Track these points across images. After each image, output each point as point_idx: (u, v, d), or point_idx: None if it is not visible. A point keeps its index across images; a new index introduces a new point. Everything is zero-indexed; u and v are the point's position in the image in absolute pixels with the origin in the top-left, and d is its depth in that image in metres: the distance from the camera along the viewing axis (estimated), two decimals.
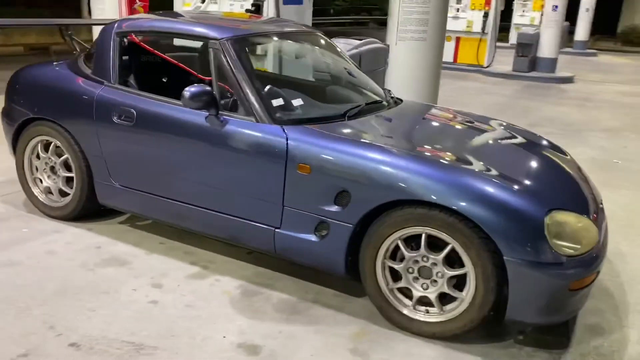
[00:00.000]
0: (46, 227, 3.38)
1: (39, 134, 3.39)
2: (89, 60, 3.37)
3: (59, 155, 3.38)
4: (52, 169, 3.44)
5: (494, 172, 2.46)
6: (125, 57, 3.22)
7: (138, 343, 2.34)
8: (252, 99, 2.75)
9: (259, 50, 4.63)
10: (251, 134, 2.71)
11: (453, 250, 2.35)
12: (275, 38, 3.73)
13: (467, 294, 2.35)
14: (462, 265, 2.35)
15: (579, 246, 2.26)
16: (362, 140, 2.66)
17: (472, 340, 2.46)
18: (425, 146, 2.71)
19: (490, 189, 2.30)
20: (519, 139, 3.16)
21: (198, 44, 3.51)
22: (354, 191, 2.47)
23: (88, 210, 3.40)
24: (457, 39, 12.81)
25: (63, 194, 3.44)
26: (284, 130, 2.66)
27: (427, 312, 2.48)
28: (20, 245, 3.14)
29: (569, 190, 2.66)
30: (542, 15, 12.41)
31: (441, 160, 2.50)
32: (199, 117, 2.83)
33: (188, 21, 3.21)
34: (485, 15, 12.43)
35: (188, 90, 2.67)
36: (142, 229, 3.41)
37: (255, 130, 2.71)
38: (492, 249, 2.24)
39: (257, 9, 4.98)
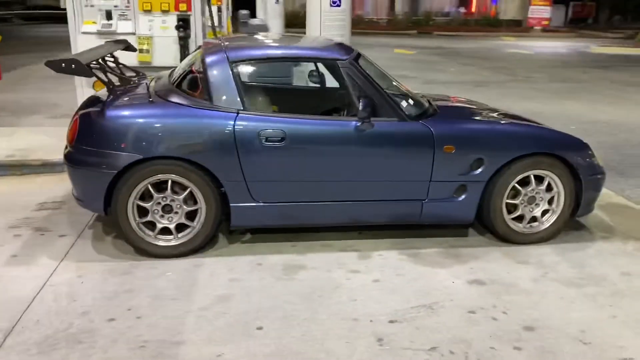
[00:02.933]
0: (182, 265, 3.34)
1: (153, 175, 3.26)
2: (193, 91, 3.39)
3: (175, 192, 3.33)
4: (165, 207, 3.35)
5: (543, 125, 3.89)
6: (244, 84, 3.40)
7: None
8: (392, 103, 3.48)
9: None
10: (400, 130, 3.46)
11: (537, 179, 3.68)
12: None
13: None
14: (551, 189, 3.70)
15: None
16: (487, 119, 3.82)
17: None
18: (499, 118, 3.93)
19: (566, 138, 3.71)
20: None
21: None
22: (486, 157, 3.53)
23: (209, 240, 3.47)
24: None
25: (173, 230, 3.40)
26: (424, 124, 3.51)
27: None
28: (198, 286, 3.12)
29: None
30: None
31: (525, 123, 3.83)
32: (348, 124, 3.40)
33: (297, 46, 3.60)
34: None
35: (362, 104, 3.28)
36: (266, 241, 3.68)
37: (402, 128, 3.47)
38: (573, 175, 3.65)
39: (186, 24, 5.11)
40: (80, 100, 5.18)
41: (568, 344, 2.67)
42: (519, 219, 3.75)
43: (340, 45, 3.81)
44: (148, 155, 3.22)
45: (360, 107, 3.33)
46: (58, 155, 5.04)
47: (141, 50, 5.10)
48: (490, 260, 3.52)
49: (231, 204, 3.39)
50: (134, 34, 5.07)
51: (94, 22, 5.04)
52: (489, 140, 3.57)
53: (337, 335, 2.69)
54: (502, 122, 3.84)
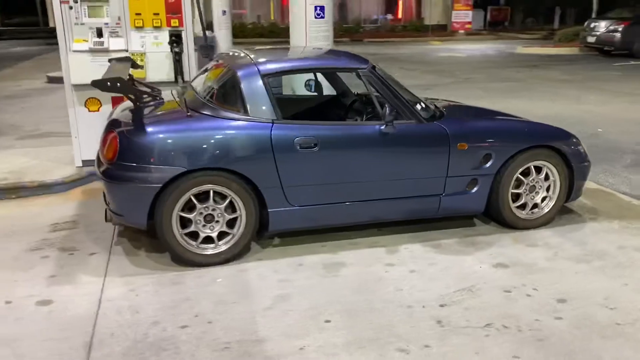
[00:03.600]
0: (227, 271, 3.47)
1: (196, 186, 3.36)
2: (227, 104, 3.53)
3: (215, 202, 3.45)
4: (207, 217, 3.46)
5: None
6: (276, 94, 3.58)
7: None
8: (410, 107, 3.76)
9: None
10: (419, 132, 3.75)
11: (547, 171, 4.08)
12: None
13: None
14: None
15: None
16: (490, 118, 4.21)
17: None
18: (498, 116, 4.31)
19: (558, 131, 4.13)
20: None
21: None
22: (494, 152, 3.89)
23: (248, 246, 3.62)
24: None
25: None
26: (439, 124, 3.81)
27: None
28: (252, 289, 3.25)
29: None
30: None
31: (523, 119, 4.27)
32: (374, 128, 3.66)
33: (320, 58, 3.81)
34: None
35: (387, 109, 3.54)
36: (295, 243, 3.84)
37: (421, 129, 3.76)
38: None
39: (178, 40, 5.16)
40: (74, 119, 5.17)
41: (598, 310, 3.04)
42: (522, 206, 4.12)
43: (356, 56, 4.05)
44: (192, 167, 3.33)
45: (385, 112, 3.59)
46: (53, 176, 5.02)
47: (133, 67, 5.12)
48: (504, 246, 3.87)
49: (269, 210, 3.55)
50: (126, 50, 5.09)
51: (85, 40, 5.01)
52: (496, 137, 3.93)
53: (400, 321, 2.92)
54: (504, 119, 4.22)
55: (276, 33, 24.19)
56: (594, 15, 18.92)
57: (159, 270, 3.48)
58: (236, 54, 4.11)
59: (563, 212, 4.41)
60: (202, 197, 3.46)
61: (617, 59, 15.95)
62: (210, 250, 3.51)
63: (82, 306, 3.07)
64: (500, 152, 3.91)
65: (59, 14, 4.93)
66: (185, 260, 3.49)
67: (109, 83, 3.36)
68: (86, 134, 5.23)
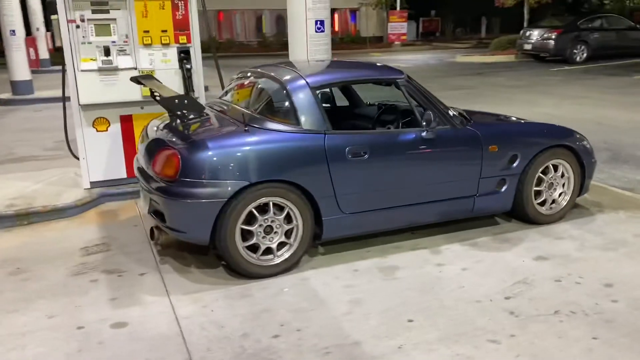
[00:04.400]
0: (290, 281, 3.52)
1: (258, 198, 3.41)
2: (279, 117, 3.59)
3: (274, 213, 3.50)
4: (266, 229, 3.50)
5: None
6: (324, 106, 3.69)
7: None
8: (445, 113, 3.96)
9: None
10: (455, 136, 3.97)
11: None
12: None
13: None
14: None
15: None
16: (514, 121, 4.51)
17: None
18: (516, 120, 4.65)
19: (570, 131, 4.47)
20: None
21: None
22: (520, 153, 4.15)
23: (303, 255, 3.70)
24: None
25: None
26: (472, 129, 4.03)
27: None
28: (323, 296, 3.31)
29: None
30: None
31: (540, 122, 4.57)
32: (417, 134, 3.85)
33: (361, 69, 3.97)
34: None
35: (428, 115, 3.76)
36: (340, 251, 3.93)
37: (457, 133, 3.98)
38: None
39: (187, 56, 5.14)
40: (82, 140, 5.04)
41: None
42: (542, 203, 4.41)
43: (392, 67, 4.23)
44: (254, 180, 3.38)
45: (428, 118, 3.79)
46: (64, 200, 4.86)
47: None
48: (535, 240, 4.13)
49: (323, 218, 3.63)
50: (135, 68, 5.02)
51: (93, 59, 4.91)
52: (521, 139, 4.21)
53: (476, 315, 3.08)
54: (524, 122, 4.51)
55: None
56: (525, 25, 20.12)
57: (220, 285, 3.48)
58: (274, 67, 4.17)
59: (572, 207, 4.75)
60: (261, 209, 3.51)
61: (552, 65, 17.04)
62: (270, 261, 3.55)
63: (161, 325, 3.03)
64: (525, 153, 4.19)
65: (65, 33, 4.81)
66: (247, 273, 3.51)
67: (176, 100, 3.34)
68: (94, 154, 5.11)
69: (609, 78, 14.06)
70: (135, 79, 4.48)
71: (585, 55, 16.98)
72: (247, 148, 3.43)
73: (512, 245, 4.04)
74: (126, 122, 5.15)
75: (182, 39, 5.13)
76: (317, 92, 3.69)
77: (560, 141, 4.31)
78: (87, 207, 4.95)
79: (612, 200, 4.94)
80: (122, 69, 4.96)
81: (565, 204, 4.46)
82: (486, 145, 4.05)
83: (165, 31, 5.07)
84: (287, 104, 3.66)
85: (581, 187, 4.52)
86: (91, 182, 5.16)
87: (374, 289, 3.41)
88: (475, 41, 31.59)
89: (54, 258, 3.97)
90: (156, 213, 3.64)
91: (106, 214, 4.85)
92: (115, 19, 4.94)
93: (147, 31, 5.02)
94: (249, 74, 4.35)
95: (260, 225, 3.50)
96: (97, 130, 5.09)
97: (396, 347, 2.79)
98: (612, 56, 17.13)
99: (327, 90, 4.88)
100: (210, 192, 3.31)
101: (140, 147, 4.07)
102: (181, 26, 5.12)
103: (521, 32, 18.48)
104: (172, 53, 5.13)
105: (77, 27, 4.84)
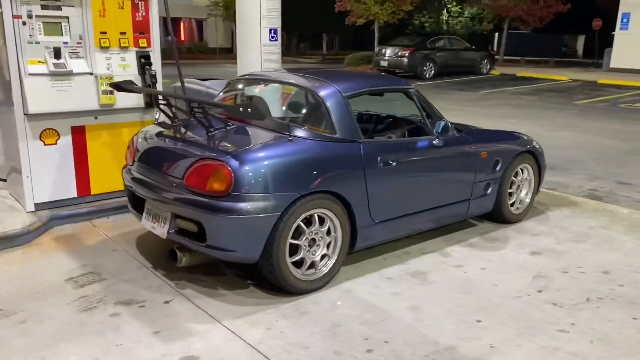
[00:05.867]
0: (333, 294, 3.41)
1: (306, 211, 3.25)
2: (316, 125, 3.44)
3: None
4: (310, 242, 3.34)
5: None
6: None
7: None
8: (448, 122, 4.16)
9: None
10: (457, 142, 4.21)
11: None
12: None
13: None
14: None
15: None
16: (495, 131, 4.82)
17: None
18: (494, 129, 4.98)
19: (530, 138, 4.95)
20: None
21: None
22: (501, 158, 4.51)
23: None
24: None
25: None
26: (466, 136, 4.28)
27: None
28: (379, 305, 3.25)
29: None
30: None
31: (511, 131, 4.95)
32: (431, 142, 4.01)
33: (380, 79, 3.98)
34: None
35: (440, 123, 3.95)
36: (357, 261, 3.88)
37: (458, 140, 4.21)
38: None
39: (148, 59, 4.62)
40: (27, 155, 4.37)
41: (636, 275, 3.83)
42: (512, 203, 4.83)
43: (399, 78, 4.32)
44: (304, 192, 3.22)
45: (445, 126, 3.95)
46: (7, 227, 4.14)
47: (104, 92, 4.51)
48: (516, 237, 4.51)
49: (358, 227, 3.59)
50: (91, 73, 4.45)
51: (41, 62, 4.24)
52: (502, 146, 4.58)
53: (528, 309, 3.30)
54: (499, 130, 4.89)
55: None
56: (376, 43, 21.55)
57: (267, 305, 3.26)
58: (293, 75, 4.03)
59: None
60: (306, 222, 3.37)
61: (406, 80, 18.46)
62: (312, 275, 3.41)
63: (239, 354, 2.76)
64: (504, 158, 4.56)
65: (10, 30, 4.11)
66: (294, 290, 3.34)
67: (241, 109, 3.04)
68: (41, 171, 4.43)
69: (461, 92, 15.65)
70: (115, 85, 4.00)
71: (433, 72, 18.69)
72: (296, 158, 3.27)
73: (502, 244, 4.37)
74: (78, 134, 4.54)
75: (142, 42, 4.68)
76: (349, 100, 3.65)
77: (527, 147, 4.78)
78: (39, 233, 4.26)
79: (551, 200, 5.55)
80: (77, 74, 4.38)
81: (528, 203, 4.94)
82: (479, 151, 4.34)
83: (124, 33, 4.59)
84: (322, 112, 3.56)
85: (537, 187, 5.05)
86: (36, 204, 4.45)
87: (421, 294, 3.45)
88: (320, 57, 32.93)
89: (42, 294, 3.37)
90: (182, 232, 3.29)
91: (66, 240, 4.22)
92: (67, 17, 4.35)
93: (105, 32, 4.49)
94: (256, 82, 4.15)
95: (306, 239, 3.35)
96: (45, 144, 4.41)
97: (489, 347, 2.88)
98: (452, 73, 19.10)
99: None
100: (264, 205, 3.09)
101: (144, 158, 3.64)
102: (141, 29, 4.67)
103: (376, 49, 19.77)
104: (131, 57, 4.66)
105: (24, 23, 4.17)
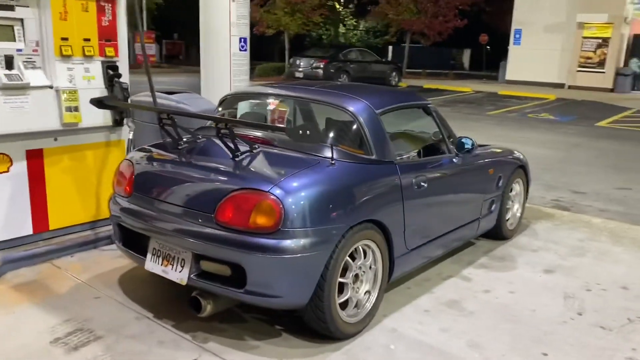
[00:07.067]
0: (379, 336, 3.03)
1: (353, 244, 2.84)
2: (350, 146, 3.04)
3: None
4: (354, 278, 2.94)
5: None
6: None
7: None
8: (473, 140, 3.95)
9: None
10: (469, 160, 3.97)
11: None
12: None
13: None
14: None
15: None
16: (493, 147, 4.59)
17: None
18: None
19: (519, 153, 4.88)
20: None
21: None
22: (502, 174, 4.38)
23: None
24: None
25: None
26: (478, 153, 4.11)
27: None
28: (435, 343, 2.92)
29: None
30: None
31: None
32: (451, 160, 3.78)
33: (402, 93, 3.59)
34: None
35: (461, 140, 3.77)
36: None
37: (469, 157, 3.97)
38: None
39: (116, 70, 3.93)
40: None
41: None
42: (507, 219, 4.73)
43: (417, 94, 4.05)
44: (353, 222, 2.83)
45: (470, 144, 3.74)
46: None
47: (69, 109, 3.79)
48: (520, 255, 4.39)
49: (395, 257, 3.24)
50: (51, 87, 3.73)
51: None
52: (503, 161, 4.45)
53: (577, 334, 3.15)
54: (493, 146, 4.76)
55: None
56: (287, 54, 21.34)
57: (314, 356, 2.81)
58: (314, 90, 3.65)
59: None
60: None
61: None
62: (355, 316, 3.01)
63: None
64: (505, 174, 4.44)
65: None
66: (341, 335, 2.91)
67: (300, 131, 2.56)
68: None
69: None
70: (97, 102, 3.35)
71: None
72: (343, 185, 2.87)
73: (512, 263, 4.22)
74: (34, 159, 3.78)
75: (110, 51, 4.02)
76: (382, 118, 3.30)
77: (520, 162, 4.70)
78: None
79: (534, 213, 5.54)
80: (34, 87, 3.65)
81: (519, 217, 4.87)
82: (487, 167, 4.18)
83: (89, 40, 3.91)
84: (356, 131, 3.17)
85: (524, 202, 5.00)
86: None
87: (470, 328, 3.17)
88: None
89: None
90: (207, 276, 2.77)
91: (29, 288, 3.47)
92: (21, 20, 3.62)
93: (66, 39, 3.79)
94: (261, 97, 3.69)
95: (352, 275, 2.96)
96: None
97: None
98: None
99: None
100: (316, 241, 2.66)
101: (147, 187, 3.05)
102: (108, 35, 4.01)
103: (290, 60, 19.53)
104: (96, 68, 3.98)
105: None
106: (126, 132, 4.20)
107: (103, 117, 4.03)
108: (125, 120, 4.09)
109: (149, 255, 2.99)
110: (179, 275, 2.83)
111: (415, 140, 4.00)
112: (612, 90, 20.18)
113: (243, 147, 2.94)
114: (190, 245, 2.77)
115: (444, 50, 35.54)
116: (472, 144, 3.78)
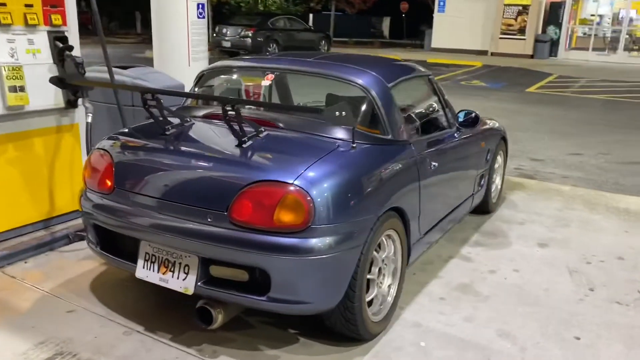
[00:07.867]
0: (406, 333, 2.76)
1: (381, 235, 2.54)
2: (366, 125, 2.69)
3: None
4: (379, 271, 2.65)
5: None
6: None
7: None
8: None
9: None
10: (464, 134, 3.73)
11: None
12: None
13: None
14: None
15: None
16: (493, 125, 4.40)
17: None
18: None
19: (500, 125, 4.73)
20: None
21: None
22: (490, 147, 4.21)
23: None
24: None
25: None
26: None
27: None
28: (458, 336, 2.69)
29: None
30: None
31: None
32: (453, 135, 3.55)
33: (405, 65, 3.42)
34: None
35: (462, 113, 3.56)
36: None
37: (469, 132, 3.75)
38: None
39: (65, 41, 3.30)
40: None
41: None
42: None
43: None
44: (380, 212, 2.52)
45: (473, 116, 3.50)
46: None
47: (13, 89, 3.17)
48: (511, 229, 4.27)
49: (411, 244, 2.97)
50: None
51: None
52: (490, 133, 4.26)
53: (598, 312, 3.05)
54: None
55: None
56: (210, 23, 20.30)
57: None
58: (318, 62, 3.26)
59: None
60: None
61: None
62: (379, 314, 2.72)
63: None
64: (492, 147, 4.27)
65: None
66: (368, 336, 2.62)
67: (337, 113, 2.16)
68: None
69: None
70: (57, 80, 2.79)
71: (277, 52, 18.21)
72: (368, 171, 2.54)
73: (505, 238, 4.09)
74: None
75: (56, 19, 3.42)
76: (392, 91, 2.96)
77: (502, 133, 4.56)
78: None
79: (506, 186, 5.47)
80: None
81: (499, 189, 4.76)
82: (479, 141, 3.98)
83: (31, 6, 3.29)
84: (369, 108, 2.82)
85: (503, 173, 4.89)
86: None
87: (493, 315, 2.98)
88: (136, 36, 30.33)
89: None
90: (217, 282, 2.38)
91: None
92: None
93: (4, 4, 3.16)
94: (253, 71, 3.25)
95: (377, 271, 2.66)
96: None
97: None
98: None
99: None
100: (348, 236, 2.33)
101: (134, 181, 2.56)
102: (53, 0, 3.40)
103: (216, 28, 18.62)
104: (42, 39, 3.37)
105: None
106: (79, 115, 3.63)
107: (54, 97, 3.44)
108: (81, 101, 3.51)
109: (140, 262, 2.54)
110: (183, 283, 2.41)
111: (414, 114, 3.72)
112: (532, 57, 20.89)
113: (247, 130, 2.53)
114: (198, 248, 2.35)
115: (365, 19, 35.49)
116: (475, 117, 3.55)
